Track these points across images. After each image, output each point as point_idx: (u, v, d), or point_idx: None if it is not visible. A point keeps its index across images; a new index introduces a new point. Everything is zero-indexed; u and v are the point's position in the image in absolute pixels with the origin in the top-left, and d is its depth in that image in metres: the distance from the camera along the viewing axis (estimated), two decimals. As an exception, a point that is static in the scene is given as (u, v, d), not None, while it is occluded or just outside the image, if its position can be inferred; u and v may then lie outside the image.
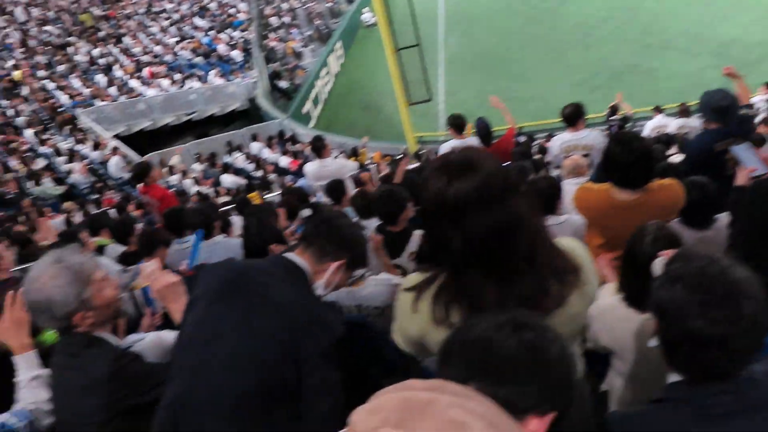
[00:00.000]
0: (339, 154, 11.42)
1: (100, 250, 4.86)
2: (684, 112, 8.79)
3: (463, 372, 0.96)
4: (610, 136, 5.65)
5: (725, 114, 3.66)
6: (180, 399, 1.54)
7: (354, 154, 12.68)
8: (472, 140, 6.08)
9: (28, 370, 1.96)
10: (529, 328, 1.02)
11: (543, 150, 9.09)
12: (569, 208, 3.39)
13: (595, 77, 17.13)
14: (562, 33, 20.26)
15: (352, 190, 5.37)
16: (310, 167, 6.24)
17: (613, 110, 11.30)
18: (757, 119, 7.15)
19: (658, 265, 1.43)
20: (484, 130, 5.94)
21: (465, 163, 1.23)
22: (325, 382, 1.56)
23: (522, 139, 10.91)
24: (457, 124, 6.05)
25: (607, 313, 1.97)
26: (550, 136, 10.84)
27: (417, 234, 3.35)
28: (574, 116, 4.92)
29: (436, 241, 1.31)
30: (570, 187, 3.83)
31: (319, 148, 6.06)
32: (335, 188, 4.94)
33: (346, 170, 5.92)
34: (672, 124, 8.64)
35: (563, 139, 5.05)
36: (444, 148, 6.22)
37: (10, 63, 21.21)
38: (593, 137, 4.96)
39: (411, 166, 7.39)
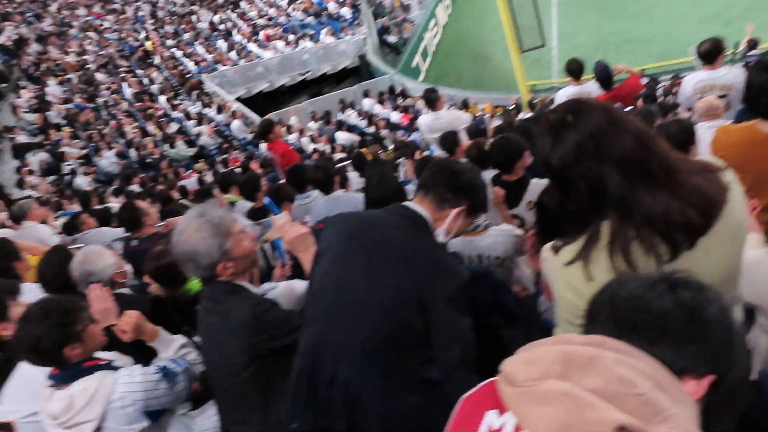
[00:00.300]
0: (450, 107, 11.21)
1: (231, 206, 5.20)
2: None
3: (612, 331, 0.90)
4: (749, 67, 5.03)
5: None
6: (315, 347, 1.63)
7: (465, 106, 12.40)
8: (590, 86, 5.67)
9: (167, 349, 2.17)
10: (685, 286, 0.94)
11: (668, 93, 8.32)
12: (704, 153, 3.08)
13: (729, 9, 15.17)
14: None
15: (465, 141, 5.27)
16: (423, 120, 6.16)
17: (752, 44, 9.99)
18: None
19: None
20: (603, 74, 5.51)
21: (575, 107, 1.24)
22: (454, 328, 1.57)
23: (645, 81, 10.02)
24: (573, 70, 5.69)
25: (753, 266, 1.77)
26: (675, 78, 9.90)
27: (535, 183, 3.25)
28: (712, 53, 4.48)
29: (589, 189, 1.22)
30: (704, 131, 3.49)
31: (432, 100, 5.95)
32: (449, 139, 4.88)
33: (459, 122, 5.79)
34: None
35: (698, 78, 4.61)
36: (560, 96, 5.87)
37: (143, 35, 22.89)
38: (732, 75, 4.47)
39: (525, 116, 7.11)
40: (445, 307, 1.55)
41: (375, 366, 1.56)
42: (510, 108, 11.31)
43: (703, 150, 3.12)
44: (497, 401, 0.79)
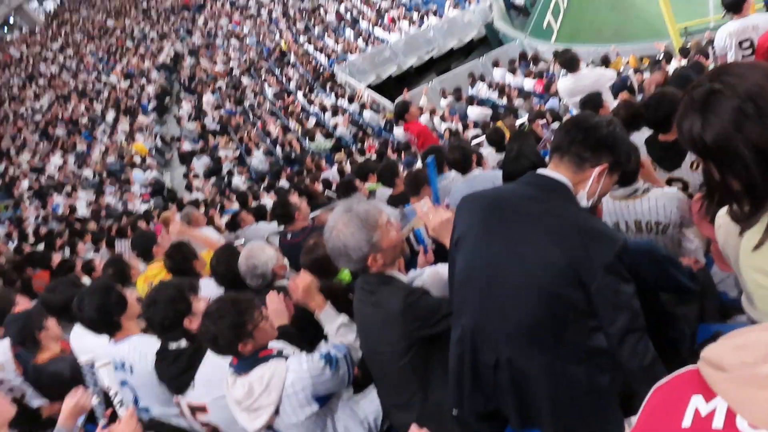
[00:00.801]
0: (587, 65, 10.46)
1: (371, 194, 5.36)
2: None
3: None
4: None
5: None
6: (473, 333, 1.63)
7: (605, 62, 11.50)
8: (756, 18, 4.87)
9: (332, 323, 2.31)
10: None
11: None
12: None
13: None
14: None
15: (611, 102, 4.89)
16: (564, 83, 5.67)
17: None
18: None
19: None
20: None
21: (708, 95, 1.09)
22: (617, 297, 1.49)
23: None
24: (733, 2, 4.92)
25: None
26: None
27: None
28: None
29: (757, 158, 1.06)
30: None
31: (569, 61, 5.56)
32: (591, 101, 4.56)
33: (605, 80, 5.35)
34: None
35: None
36: (719, 36, 5.16)
37: (277, 36, 24.29)
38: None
39: (681, 64, 6.39)
40: (604, 276, 1.47)
41: (538, 344, 1.54)
42: (659, 58, 10.27)
43: None
44: (701, 387, 0.75)
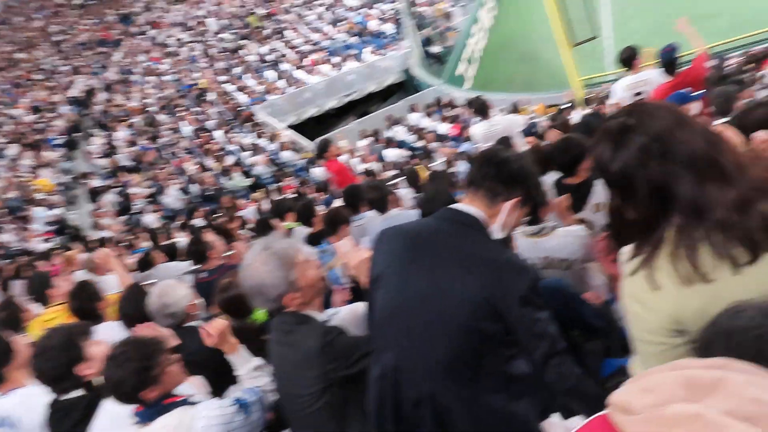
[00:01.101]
0: (498, 112, 11.04)
1: (288, 232, 5.27)
2: None
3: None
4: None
5: None
6: (395, 370, 1.61)
7: (515, 110, 12.18)
8: (649, 74, 5.38)
9: (245, 366, 2.22)
10: None
11: (741, 71, 7.85)
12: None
13: None
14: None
15: (522, 146, 5.15)
16: (477, 129, 5.96)
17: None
18: None
19: None
20: (667, 58, 5.18)
21: (637, 110, 1.20)
22: (535, 324, 1.53)
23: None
24: (626, 58, 5.37)
25: None
26: (747, 54, 9.34)
27: (601, 184, 3.08)
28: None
29: (656, 192, 1.16)
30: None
31: (481, 107, 5.86)
32: (503, 145, 4.78)
33: (515, 126, 5.67)
34: None
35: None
36: (616, 88, 5.63)
37: (197, 74, 23.89)
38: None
39: (584, 111, 6.89)
40: (519, 307, 1.51)
41: (459, 377, 1.55)
42: (564, 106, 11.01)
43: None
44: None
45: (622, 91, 5.20)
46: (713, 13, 14.04)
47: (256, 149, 16.24)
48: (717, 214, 1.11)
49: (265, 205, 11.19)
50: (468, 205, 1.69)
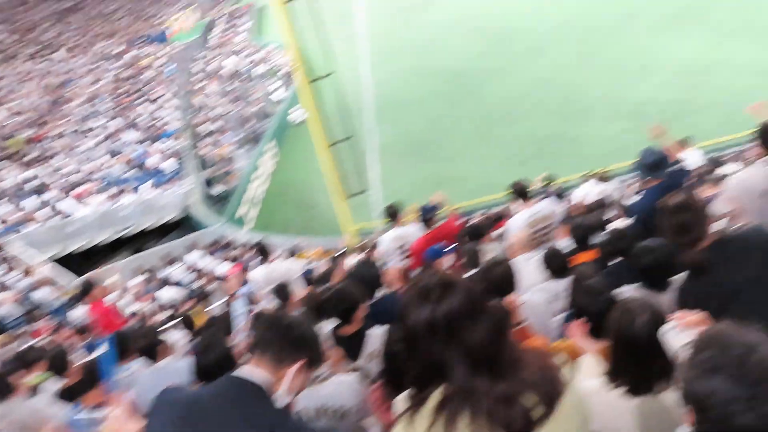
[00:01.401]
0: (278, 255, 11.30)
1: (34, 389, 4.50)
2: (603, 178, 9.35)
3: None
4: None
5: (658, 168, 3.96)
6: None
7: (293, 253, 12.58)
8: (410, 228, 6.12)
9: None
10: None
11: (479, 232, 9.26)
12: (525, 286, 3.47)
13: (522, 151, 17.58)
14: (487, 111, 20.77)
15: (301, 291, 5.33)
16: (258, 273, 6.09)
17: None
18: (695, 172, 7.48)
19: (674, 339, 1.42)
20: (426, 213, 6.00)
21: (443, 283, 1.30)
22: None
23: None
24: (390, 213, 6.15)
25: (594, 396, 1.81)
26: (485, 216, 11.08)
27: (374, 332, 3.20)
28: (523, 191, 5.14)
29: (432, 364, 1.27)
30: (523, 263, 3.94)
31: (262, 250, 6.01)
32: (282, 291, 4.90)
33: (293, 272, 5.88)
34: (594, 191, 9.10)
35: (524, 216, 5.08)
36: (383, 240, 6.24)
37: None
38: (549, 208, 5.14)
39: (356, 259, 7.41)
40: None
41: None
42: (338, 253, 11.72)
43: (525, 282, 3.50)
44: None
45: (388, 242, 5.81)
46: (462, 176, 16.69)
47: (2, 286, 13.93)
48: (483, 405, 1.21)
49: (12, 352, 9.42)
50: (254, 368, 1.67)
